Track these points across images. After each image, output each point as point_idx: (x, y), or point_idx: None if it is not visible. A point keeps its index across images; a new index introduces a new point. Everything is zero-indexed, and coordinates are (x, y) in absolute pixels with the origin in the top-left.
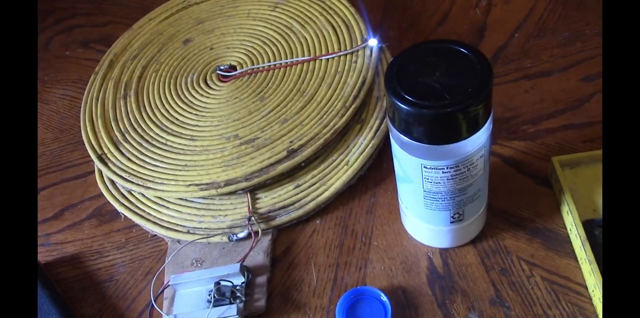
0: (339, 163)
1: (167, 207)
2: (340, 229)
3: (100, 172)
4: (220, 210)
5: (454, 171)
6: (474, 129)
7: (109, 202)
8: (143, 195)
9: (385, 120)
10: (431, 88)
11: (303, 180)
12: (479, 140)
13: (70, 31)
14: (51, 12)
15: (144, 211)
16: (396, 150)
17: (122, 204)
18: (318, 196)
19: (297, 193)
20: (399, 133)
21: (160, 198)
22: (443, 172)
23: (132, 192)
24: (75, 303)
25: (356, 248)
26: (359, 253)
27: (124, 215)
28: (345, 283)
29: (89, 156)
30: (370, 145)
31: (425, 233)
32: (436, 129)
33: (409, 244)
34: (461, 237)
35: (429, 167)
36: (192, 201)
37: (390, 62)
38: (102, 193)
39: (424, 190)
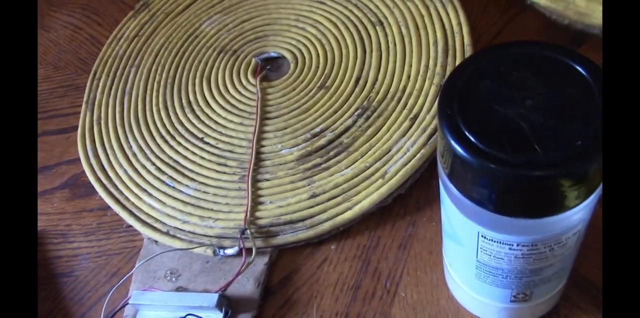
0: (372, 174)
1: (150, 194)
2: (360, 264)
3: (84, 131)
4: (211, 211)
5: (528, 250)
6: (573, 202)
7: None
8: (126, 172)
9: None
10: (514, 128)
11: (322, 189)
12: (577, 215)
13: None
14: None
15: (122, 193)
16: (445, 201)
17: (98, 179)
18: (338, 214)
19: (312, 206)
20: (450, 184)
21: (144, 180)
22: (510, 249)
23: (114, 166)
24: None
25: (376, 296)
26: (378, 304)
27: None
28: None
29: (79, 106)
30: (419, 154)
31: (474, 304)
32: (511, 197)
33: (450, 306)
34: (522, 317)
35: (489, 238)
36: (180, 192)
37: (455, 68)
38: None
39: (478, 261)
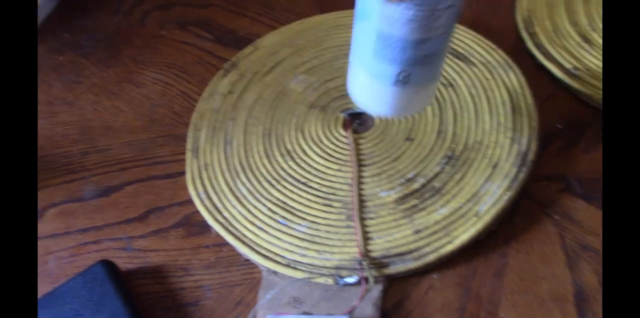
0: (466, 212)
1: (266, 232)
2: (462, 290)
3: (193, 176)
4: (326, 245)
5: (416, 11)
6: None
7: (199, 212)
8: (240, 213)
9: (522, 168)
10: None
11: (424, 225)
12: None
13: (168, 9)
14: None
15: (238, 231)
16: None
17: (215, 218)
18: (440, 247)
19: (417, 241)
20: None
21: (258, 219)
22: (404, 9)
23: (227, 207)
24: None
25: (480, 316)
26: None
27: (216, 232)
28: None
29: (182, 153)
30: (506, 196)
31: (367, 92)
32: None
33: None
34: (404, 105)
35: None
36: (294, 229)
37: None
38: (192, 200)
39: (378, 31)
